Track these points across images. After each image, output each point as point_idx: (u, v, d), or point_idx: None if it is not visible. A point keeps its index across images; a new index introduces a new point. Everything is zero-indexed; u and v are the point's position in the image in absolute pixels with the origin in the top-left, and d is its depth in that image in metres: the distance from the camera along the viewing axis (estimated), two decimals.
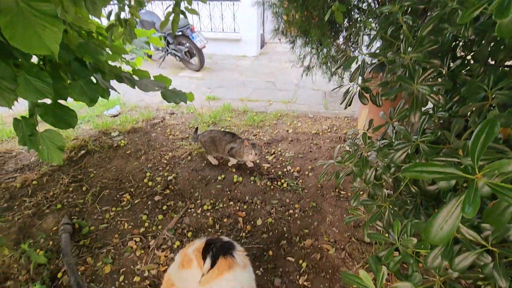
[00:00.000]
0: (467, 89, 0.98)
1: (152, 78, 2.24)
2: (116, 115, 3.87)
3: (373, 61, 1.63)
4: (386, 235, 1.14)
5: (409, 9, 1.46)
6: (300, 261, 1.81)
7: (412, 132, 1.23)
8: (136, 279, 1.72)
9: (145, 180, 2.55)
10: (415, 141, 1.10)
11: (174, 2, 1.70)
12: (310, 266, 1.78)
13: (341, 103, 1.43)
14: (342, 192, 2.38)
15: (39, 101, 1.64)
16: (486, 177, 0.53)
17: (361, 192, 1.42)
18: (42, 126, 1.98)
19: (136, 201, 2.31)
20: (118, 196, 2.37)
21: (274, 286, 1.67)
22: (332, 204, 2.26)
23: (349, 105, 1.45)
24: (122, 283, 1.70)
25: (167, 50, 5.78)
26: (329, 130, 3.39)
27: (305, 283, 1.68)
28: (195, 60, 5.77)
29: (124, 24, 1.72)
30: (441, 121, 1.28)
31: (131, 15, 1.75)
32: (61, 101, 1.83)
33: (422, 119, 1.18)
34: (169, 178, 2.59)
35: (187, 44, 5.55)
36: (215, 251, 1.37)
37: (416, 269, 1.02)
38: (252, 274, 1.40)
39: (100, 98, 1.82)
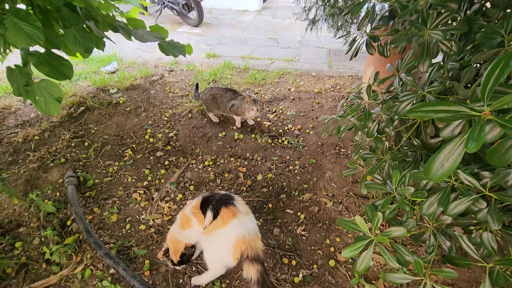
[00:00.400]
0: (483, 34, 0.92)
1: (148, 29, 2.12)
2: (114, 72, 3.76)
3: (382, 10, 1.52)
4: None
5: None
6: (299, 213, 1.89)
7: (420, 85, 1.18)
8: (142, 227, 1.80)
9: (146, 137, 2.56)
10: (422, 91, 1.07)
11: None
12: (308, 218, 1.86)
13: (346, 53, 1.36)
14: (342, 150, 2.40)
15: (31, 49, 1.57)
16: (494, 113, 0.51)
17: (361, 151, 1.42)
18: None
19: (138, 157, 2.34)
20: (120, 151, 2.40)
21: (273, 235, 1.76)
22: (331, 161, 2.29)
23: (355, 55, 1.39)
24: (129, 231, 1.79)
25: (164, 3, 5.43)
26: (332, 89, 3.31)
27: (303, 233, 1.77)
28: (193, 14, 5.44)
29: None
30: (451, 73, 1.23)
31: None
32: (56, 52, 1.76)
33: (431, 70, 1.13)
34: (170, 135, 2.59)
35: None
36: (215, 204, 1.40)
37: (411, 216, 1.05)
38: (254, 219, 1.46)
39: (96, 54, 1.74)
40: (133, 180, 2.14)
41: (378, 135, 1.30)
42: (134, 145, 2.46)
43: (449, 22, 1.06)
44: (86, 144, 2.46)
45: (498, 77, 0.50)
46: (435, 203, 0.91)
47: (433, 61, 1.10)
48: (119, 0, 2.18)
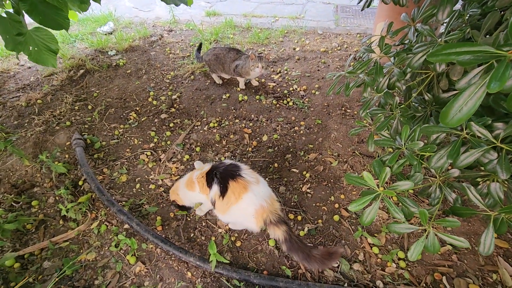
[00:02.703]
0: None
1: None
2: (111, 33, 3.60)
3: None
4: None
5: None
6: (304, 172, 1.92)
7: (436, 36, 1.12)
8: (151, 186, 1.86)
9: (150, 99, 2.53)
10: (439, 41, 1.01)
11: None
12: (313, 176, 1.90)
13: (358, 2, 1.27)
14: (348, 110, 2.36)
15: None
16: None
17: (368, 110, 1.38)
18: None
19: (143, 119, 2.33)
20: (124, 114, 2.39)
21: (279, 193, 1.81)
22: (337, 121, 2.27)
23: (368, 6, 1.30)
24: (139, 190, 1.85)
25: None
26: (339, 47, 3.17)
27: (308, 190, 1.82)
28: None
29: None
30: (469, 22, 1.15)
31: None
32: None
33: (449, 18, 1.06)
34: (174, 97, 2.55)
35: None
36: (220, 177, 1.36)
37: (418, 170, 1.06)
38: (266, 184, 1.44)
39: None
40: (140, 142, 2.15)
41: (389, 91, 1.26)
42: (138, 108, 2.44)
43: None
44: (89, 107, 2.44)
45: None
46: (444, 156, 0.92)
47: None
48: None
